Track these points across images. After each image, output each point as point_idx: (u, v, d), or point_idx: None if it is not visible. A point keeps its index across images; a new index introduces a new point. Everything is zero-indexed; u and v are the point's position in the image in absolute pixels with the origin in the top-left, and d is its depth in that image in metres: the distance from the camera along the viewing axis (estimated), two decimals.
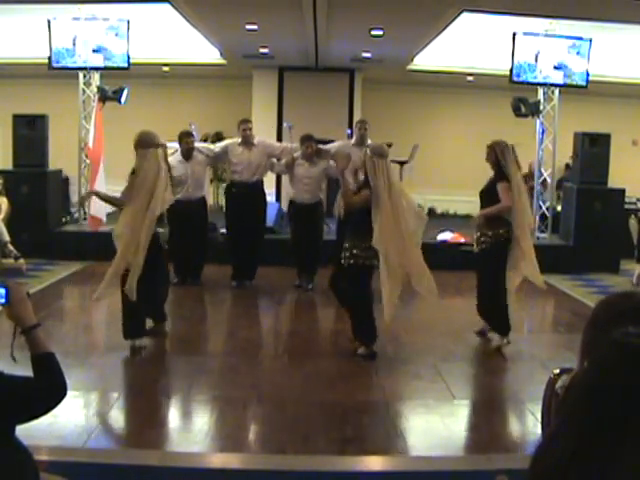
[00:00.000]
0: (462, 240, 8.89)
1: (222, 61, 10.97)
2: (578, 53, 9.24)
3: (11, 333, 2.08)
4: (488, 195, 5.57)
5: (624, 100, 11.96)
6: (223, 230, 8.33)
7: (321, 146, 7.46)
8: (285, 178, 8.32)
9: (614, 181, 9.49)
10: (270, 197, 7.92)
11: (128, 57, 8.97)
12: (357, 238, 5.03)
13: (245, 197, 7.39)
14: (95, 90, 9.17)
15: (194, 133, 10.13)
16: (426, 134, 11.97)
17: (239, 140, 7.46)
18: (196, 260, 7.67)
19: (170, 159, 7.59)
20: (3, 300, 2.02)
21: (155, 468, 3.38)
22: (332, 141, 7.86)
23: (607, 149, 9.27)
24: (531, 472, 1.36)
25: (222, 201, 10.98)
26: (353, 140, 7.39)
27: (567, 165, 11.20)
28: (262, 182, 7.70)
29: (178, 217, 7.28)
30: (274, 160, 7.57)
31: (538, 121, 9.55)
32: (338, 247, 5.44)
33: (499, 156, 5.42)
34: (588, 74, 9.33)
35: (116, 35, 8.89)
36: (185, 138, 7.47)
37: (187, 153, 7.45)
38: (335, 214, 7.69)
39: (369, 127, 7.35)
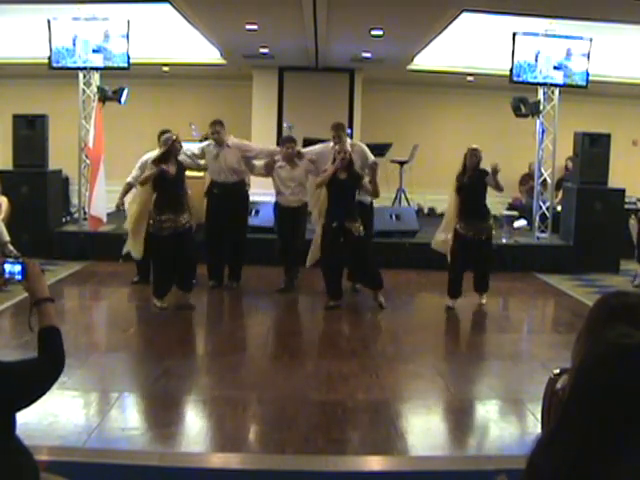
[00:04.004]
0: None
1: (222, 61, 10.97)
2: (578, 53, 9.24)
3: (28, 308, 2.22)
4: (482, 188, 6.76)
5: (624, 100, 11.96)
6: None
7: (302, 149, 7.43)
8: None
9: (614, 181, 9.49)
10: (271, 197, 7.86)
11: (128, 57, 8.96)
12: None
13: (225, 197, 7.30)
14: (95, 90, 9.16)
15: (194, 133, 10.16)
16: (426, 134, 11.97)
17: (213, 142, 7.42)
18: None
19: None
20: (20, 277, 2.19)
21: (155, 468, 3.38)
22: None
23: (607, 149, 9.27)
24: (528, 472, 1.35)
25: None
26: (332, 143, 7.26)
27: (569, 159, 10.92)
28: (244, 182, 7.64)
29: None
30: (254, 162, 7.51)
31: (538, 121, 9.55)
32: None
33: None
34: (588, 74, 9.33)
35: (116, 35, 8.90)
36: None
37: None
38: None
39: (342, 129, 7.13)
